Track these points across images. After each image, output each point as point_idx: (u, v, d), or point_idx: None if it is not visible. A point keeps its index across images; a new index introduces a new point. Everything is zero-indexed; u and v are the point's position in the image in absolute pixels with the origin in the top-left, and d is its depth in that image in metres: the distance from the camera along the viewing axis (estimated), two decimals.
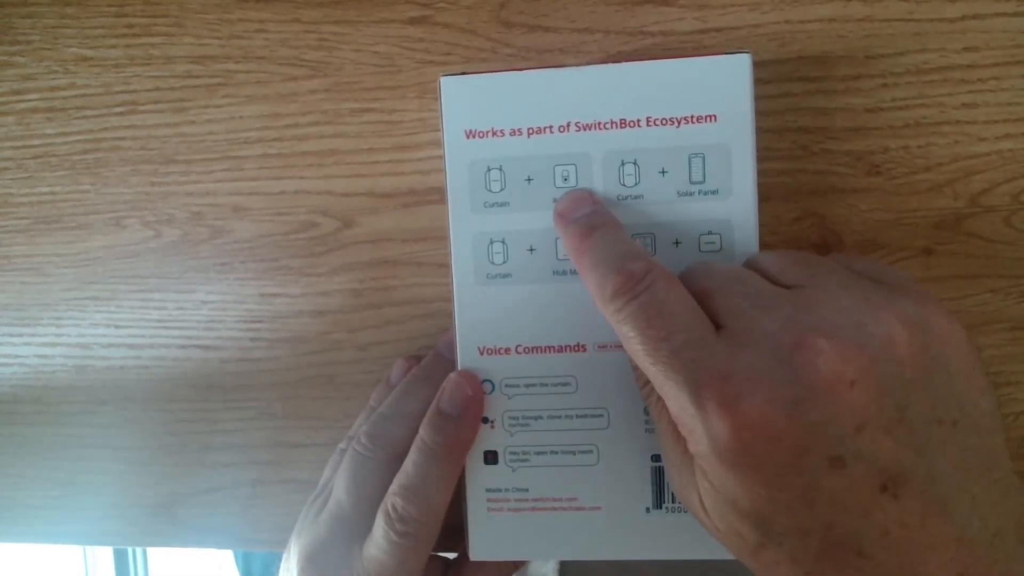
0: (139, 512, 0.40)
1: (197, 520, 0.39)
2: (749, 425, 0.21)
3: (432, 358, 0.33)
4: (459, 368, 0.30)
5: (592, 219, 0.27)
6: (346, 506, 0.30)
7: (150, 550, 1.23)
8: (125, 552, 1.21)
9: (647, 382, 0.25)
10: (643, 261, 0.25)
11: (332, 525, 0.30)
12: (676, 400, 0.23)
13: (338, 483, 0.31)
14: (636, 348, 0.24)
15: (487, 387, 0.30)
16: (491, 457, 0.30)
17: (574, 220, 0.28)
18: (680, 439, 0.24)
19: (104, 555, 1.21)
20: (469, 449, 0.30)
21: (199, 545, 0.40)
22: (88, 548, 1.18)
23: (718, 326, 0.23)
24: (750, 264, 0.26)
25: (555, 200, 0.29)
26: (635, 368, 0.26)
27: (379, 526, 0.29)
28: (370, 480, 0.30)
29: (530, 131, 0.29)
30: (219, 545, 0.40)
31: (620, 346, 0.29)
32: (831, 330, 0.22)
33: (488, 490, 0.30)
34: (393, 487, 0.29)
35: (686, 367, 0.22)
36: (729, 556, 0.29)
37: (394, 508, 0.28)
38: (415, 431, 0.30)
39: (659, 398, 0.25)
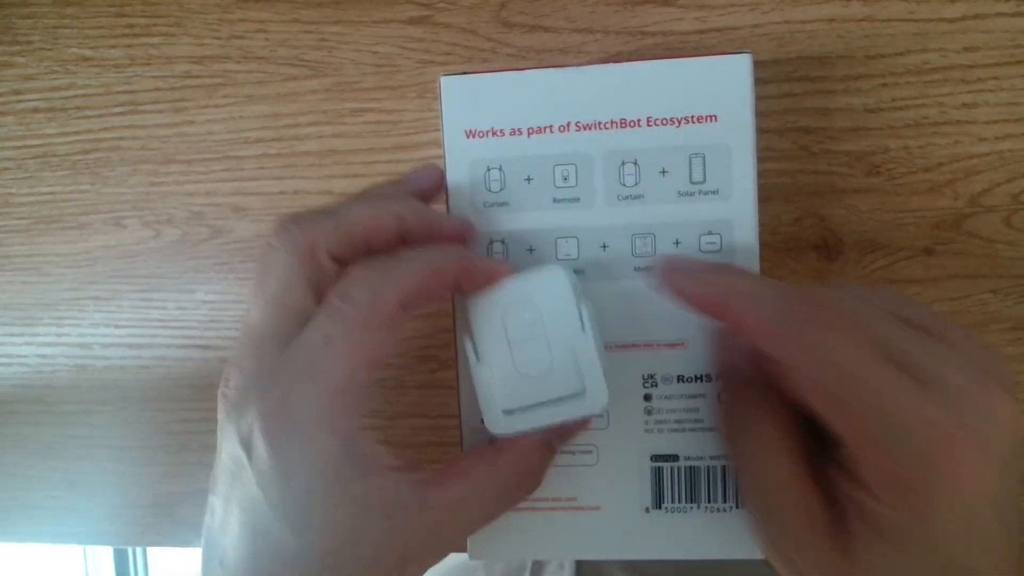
0: (139, 512, 0.40)
1: (197, 520, 0.39)
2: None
3: (419, 204, 0.28)
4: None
5: (722, 264, 0.27)
6: (254, 314, 0.26)
7: (150, 550, 1.23)
8: (125, 552, 1.21)
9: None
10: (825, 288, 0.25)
11: (243, 342, 0.26)
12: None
13: (248, 292, 0.27)
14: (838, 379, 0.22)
15: None
16: None
17: (691, 267, 0.26)
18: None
19: (104, 555, 1.21)
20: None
21: (199, 545, 0.39)
22: (88, 548, 1.18)
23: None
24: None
25: (555, 200, 0.29)
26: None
27: (323, 303, 0.25)
28: (277, 273, 0.25)
29: (530, 131, 0.29)
30: None
31: (620, 346, 0.29)
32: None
33: None
34: (358, 262, 0.25)
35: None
36: (729, 556, 0.29)
37: (348, 274, 0.25)
38: (343, 230, 0.26)
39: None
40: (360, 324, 0.24)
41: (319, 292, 0.25)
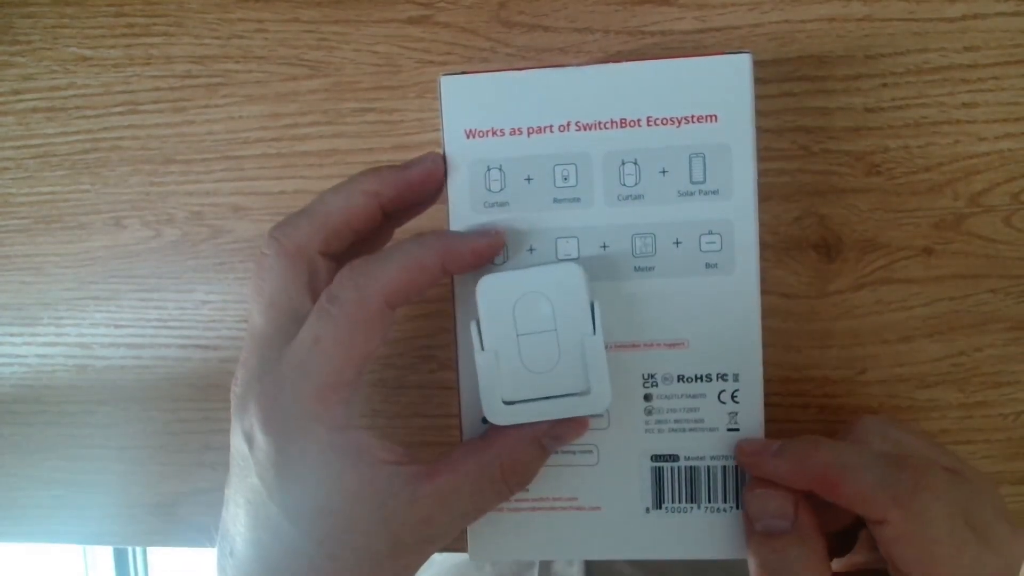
0: (139, 512, 0.40)
1: (197, 519, 0.39)
2: None
3: (384, 166, 0.29)
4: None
5: (800, 441, 0.27)
6: (256, 319, 0.27)
7: (150, 550, 1.23)
8: (125, 552, 1.21)
9: None
10: (913, 456, 0.26)
11: (247, 345, 0.27)
12: None
13: (248, 298, 0.28)
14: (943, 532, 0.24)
15: None
16: None
17: (781, 448, 0.27)
18: None
19: (104, 555, 1.21)
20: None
21: (199, 545, 0.39)
22: (88, 548, 1.18)
23: None
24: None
25: (555, 200, 0.29)
26: None
27: (315, 306, 0.26)
28: (272, 280, 0.27)
29: (530, 131, 0.29)
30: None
31: (620, 346, 0.29)
32: None
33: None
34: (347, 264, 0.26)
35: None
36: (730, 556, 0.29)
37: (339, 278, 0.26)
38: (327, 227, 0.27)
39: None
40: (346, 324, 0.25)
41: (315, 291, 0.27)
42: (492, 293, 0.27)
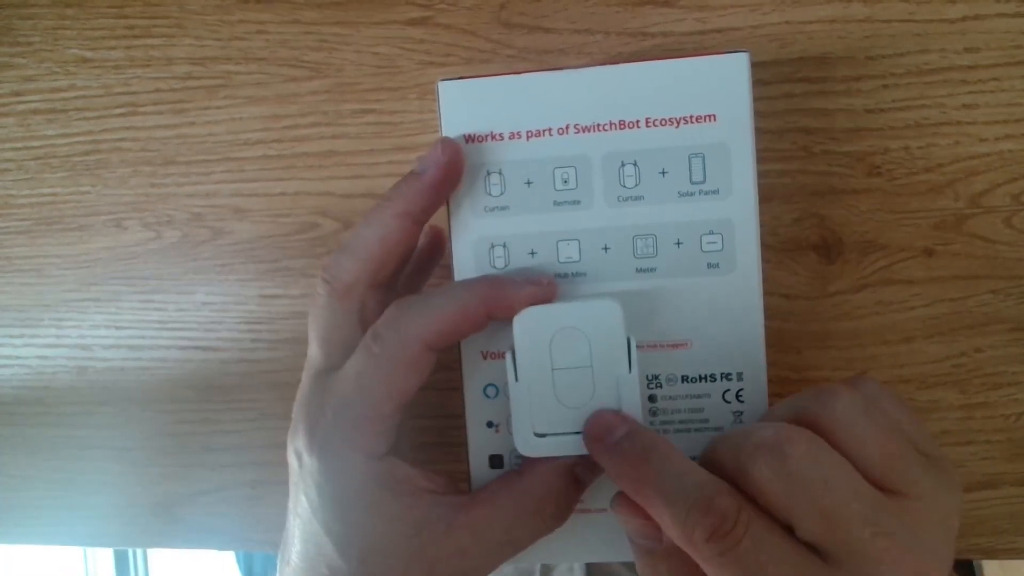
0: (139, 512, 0.40)
1: (197, 520, 0.39)
2: None
3: (404, 178, 0.29)
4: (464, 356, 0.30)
5: (640, 440, 0.25)
6: (313, 354, 0.29)
7: (150, 551, 1.23)
8: (125, 553, 1.21)
9: None
10: (728, 495, 0.22)
11: (306, 377, 0.29)
12: None
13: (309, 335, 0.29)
14: None
15: (491, 391, 0.30)
16: (496, 461, 0.30)
17: (615, 444, 0.25)
18: None
19: (104, 556, 1.21)
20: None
21: (199, 546, 0.40)
22: (88, 549, 1.18)
23: (824, 555, 0.21)
24: (832, 430, 0.23)
25: (556, 203, 0.29)
26: None
27: (361, 342, 0.27)
28: (326, 319, 0.28)
29: (529, 134, 0.29)
30: (219, 546, 0.40)
31: None
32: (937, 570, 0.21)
33: None
34: (393, 303, 0.27)
35: None
36: None
37: (383, 317, 0.27)
38: (369, 259, 0.28)
39: None
40: (386, 364, 0.26)
41: (365, 323, 0.28)
42: (529, 326, 0.27)
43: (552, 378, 0.27)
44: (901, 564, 0.21)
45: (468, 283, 0.27)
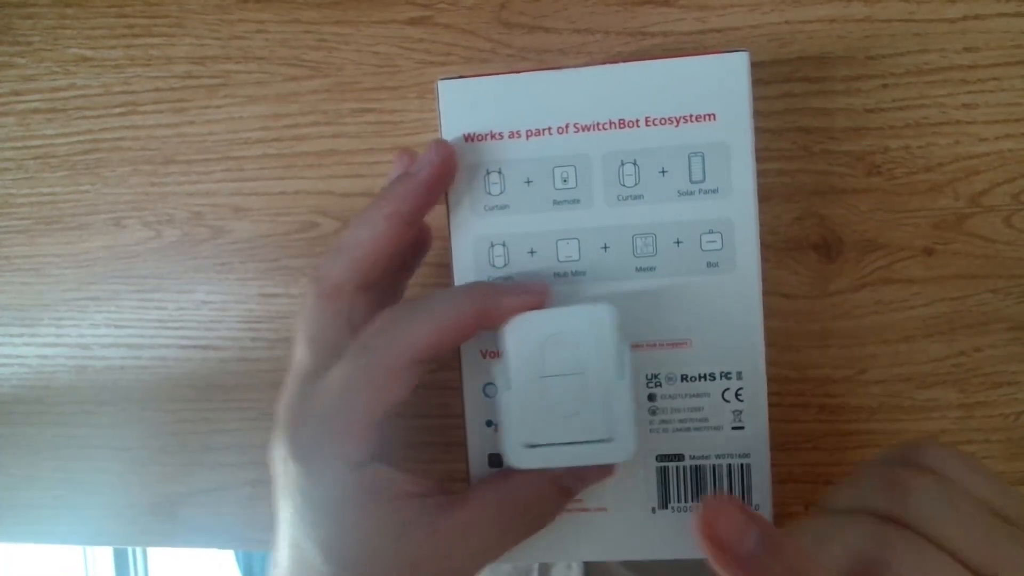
0: (139, 512, 0.40)
1: (197, 520, 0.39)
2: None
3: (392, 180, 0.29)
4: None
5: (786, 554, 0.21)
6: (300, 355, 0.28)
7: (150, 550, 1.23)
8: (125, 552, 1.21)
9: None
10: None
11: (292, 378, 0.28)
12: None
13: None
14: None
15: (491, 390, 0.30)
16: (496, 460, 0.30)
17: (750, 556, 0.21)
18: None
19: (104, 555, 1.21)
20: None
21: (199, 545, 0.40)
22: (88, 548, 1.18)
23: None
24: (917, 526, 0.22)
25: (555, 202, 0.29)
26: None
27: (349, 347, 0.27)
28: (314, 321, 0.28)
29: (529, 133, 0.29)
30: (219, 545, 0.40)
31: None
32: None
33: None
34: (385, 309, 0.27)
35: None
36: None
37: (373, 323, 0.27)
38: (358, 260, 0.27)
39: None
40: (373, 375, 0.26)
41: (354, 326, 0.28)
42: (520, 332, 0.26)
43: (542, 386, 0.26)
44: None
45: (459, 292, 0.27)
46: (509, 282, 0.29)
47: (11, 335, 0.39)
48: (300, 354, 0.28)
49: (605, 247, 0.29)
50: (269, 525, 0.39)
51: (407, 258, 0.33)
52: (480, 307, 0.26)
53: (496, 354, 0.30)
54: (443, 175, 0.28)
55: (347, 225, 0.29)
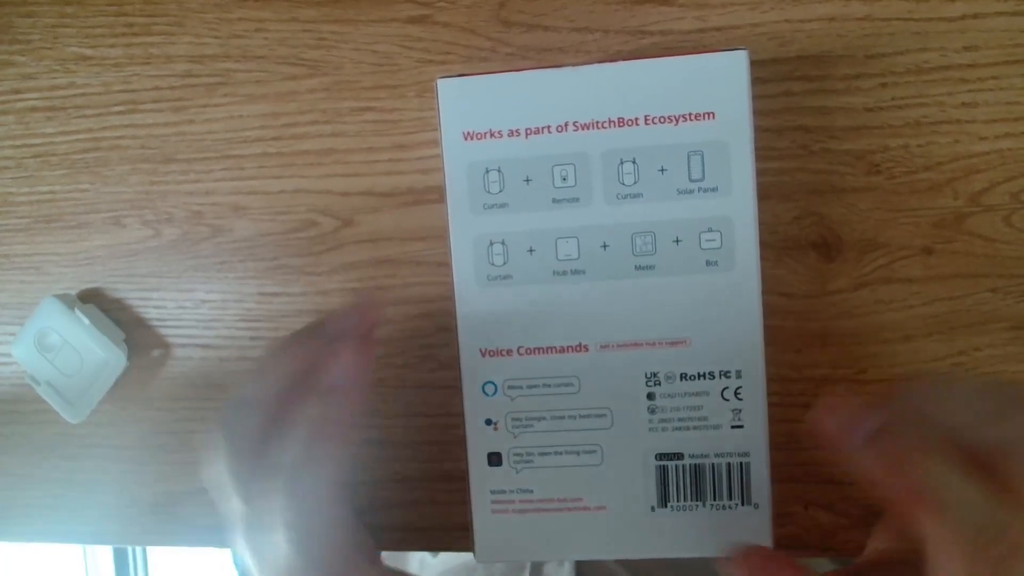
0: (139, 511, 0.40)
1: (197, 519, 0.39)
2: None
3: (306, 328, 0.30)
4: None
5: (913, 435, 0.23)
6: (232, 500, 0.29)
7: (150, 549, 1.23)
8: (125, 551, 1.21)
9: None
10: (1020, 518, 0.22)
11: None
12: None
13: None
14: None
15: (490, 389, 0.30)
16: (495, 459, 0.30)
17: (879, 434, 0.24)
18: None
19: (104, 554, 1.21)
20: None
21: (199, 544, 0.40)
22: (88, 547, 1.18)
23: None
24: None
25: (555, 200, 0.29)
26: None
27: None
28: (215, 467, 0.28)
29: (528, 131, 0.29)
30: (219, 544, 0.40)
31: (622, 345, 0.29)
32: None
33: (493, 492, 0.30)
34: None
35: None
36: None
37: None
38: (264, 421, 0.28)
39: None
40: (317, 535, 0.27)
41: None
42: None
43: None
44: None
45: (328, 404, 0.27)
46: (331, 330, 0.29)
47: (11, 334, 0.39)
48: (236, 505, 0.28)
49: (604, 245, 0.29)
50: None
51: None
52: (354, 379, 0.27)
53: (496, 352, 0.30)
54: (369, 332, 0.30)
55: (264, 365, 0.29)
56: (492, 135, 0.29)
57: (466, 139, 0.29)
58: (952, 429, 0.23)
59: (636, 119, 0.28)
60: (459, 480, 0.31)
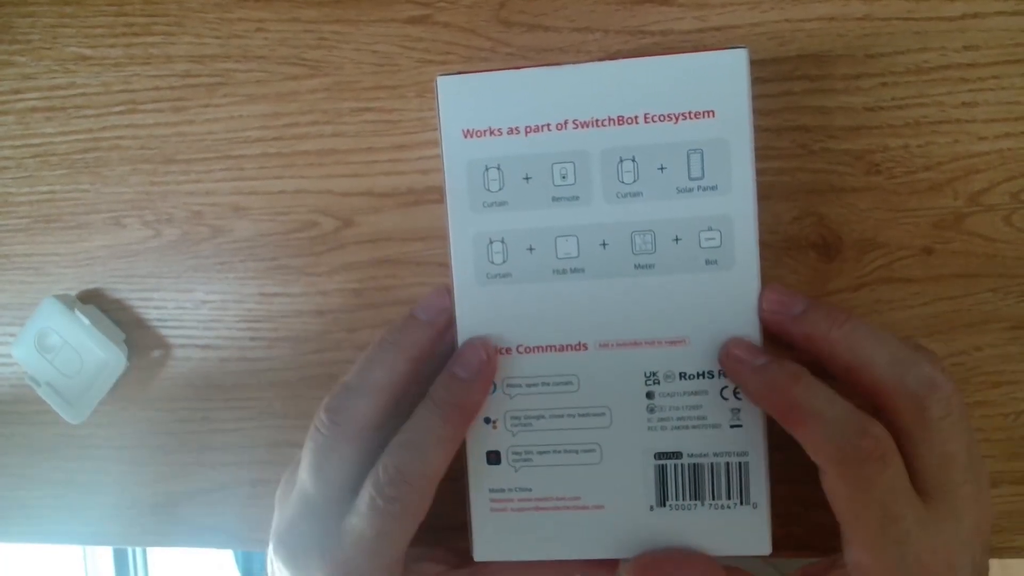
0: (139, 512, 0.40)
1: (197, 520, 0.39)
2: None
3: (404, 321, 0.31)
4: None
5: (788, 365, 0.27)
6: (310, 489, 0.29)
7: (150, 550, 1.23)
8: (125, 552, 1.21)
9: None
10: (879, 426, 0.25)
11: (300, 507, 0.29)
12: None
13: (302, 463, 0.30)
14: (872, 514, 0.25)
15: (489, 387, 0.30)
16: (494, 457, 0.30)
17: (762, 366, 0.28)
18: None
19: (104, 555, 1.21)
20: (475, 416, 0.30)
21: (199, 545, 0.39)
22: (88, 548, 1.18)
23: (926, 497, 0.26)
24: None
25: (554, 199, 0.29)
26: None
27: (365, 492, 0.28)
28: (331, 460, 0.29)
29: (528, 130, 0.29)
30: (219, 545, 0.40)
31: (621, 344, 0.29)
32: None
33: (491, 490, 0.30)
34: (389, 447, 0.28)
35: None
36: (734, 553, 0.29)
37: (385, 470, 0.28)
38: (380, 404, 0.29)
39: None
40: (405, 516, 0.28)
41: (369, 463, 0.29)
42: None
43: None
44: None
45: (437, 411, 0.29)
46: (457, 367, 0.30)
47: (11, 335, 0.39)
48: (307, 484, 0.29)
49: (604, 244, 0.29)
50: (269, 524, 0.39)
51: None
52: (463, 418, 0.29)
53: (499, 351, 0.30)
54: (451, 322, 0.30)
55: (359, 363, 0.30)
56: (492, 133, 0.29)
57: (466, 137, 0.29)
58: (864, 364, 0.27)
59: (636, 117, 0.28)
60: (458, 479, 0.30)
